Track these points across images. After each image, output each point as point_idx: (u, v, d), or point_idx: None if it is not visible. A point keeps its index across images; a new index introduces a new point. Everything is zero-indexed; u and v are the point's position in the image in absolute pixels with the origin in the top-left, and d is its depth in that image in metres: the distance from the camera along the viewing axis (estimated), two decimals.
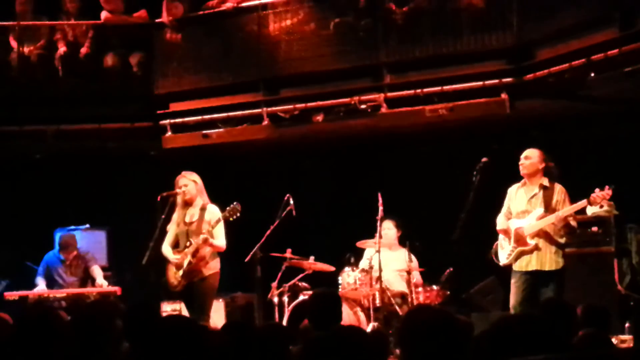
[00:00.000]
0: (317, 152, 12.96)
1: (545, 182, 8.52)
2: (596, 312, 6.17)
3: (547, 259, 8.40)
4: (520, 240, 8.48)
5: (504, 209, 8.73)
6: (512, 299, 8.51)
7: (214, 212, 9.02)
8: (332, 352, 3.91)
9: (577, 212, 8.46)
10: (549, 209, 8.42)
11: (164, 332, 4.18)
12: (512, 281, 8.56)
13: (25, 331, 4.85)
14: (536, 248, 8.41)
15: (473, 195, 8.74)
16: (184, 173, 9.13)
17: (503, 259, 8.67)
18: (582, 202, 8.27)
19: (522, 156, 8.56)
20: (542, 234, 8.42)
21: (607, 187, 8.12)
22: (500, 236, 8.74)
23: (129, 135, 12.13)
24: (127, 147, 12.27)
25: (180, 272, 8.94)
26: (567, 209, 8.33)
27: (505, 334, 3.88)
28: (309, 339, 5.06)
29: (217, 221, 8.88)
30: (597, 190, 8.13)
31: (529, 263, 8.44)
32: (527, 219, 8.49)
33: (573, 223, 8.46)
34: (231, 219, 8.91)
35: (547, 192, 8.48)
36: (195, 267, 8.91)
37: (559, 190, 8.49)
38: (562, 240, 8.46)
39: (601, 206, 8.71)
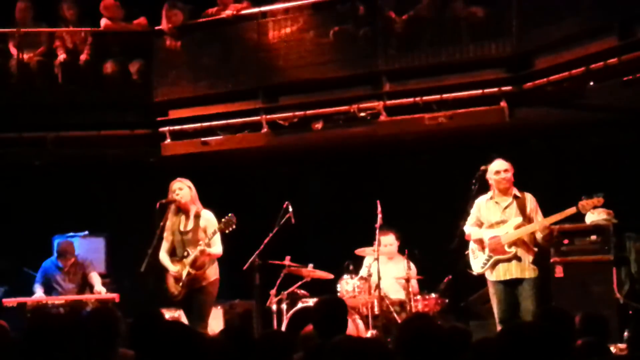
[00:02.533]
0: (316, 159, 12.97)
1: (517, 192, 8.58)
2: (595, 321, 6.16)
3: (526, 267, 8.47)
4: (496, 249, 8.50)
5: (471, 220, 8.77)
6: (497, 311, 8.54)
7: (208, 218, 9.00)
8: None
9: (574, 220, 8.50)
10: (525, 217, 8.47)
11: (168, 338, 4.18)
12: (491, 292, 8.60)
13: (26, 338, 4.86)
14: (515, 256, 8.45)
15: (471, 204, 8.77)
16: (178, 178, 9.12)
17: (477, 268, 8.71)
18: (571, 209, 8.31)
19: (502, 169, 8.58)
20: (520, 242, 8.47)
21: (594, 195, 8.15)
22: (473, 245, 8.76)
23: (128, 142, 12.12)
24: (126, 154, 12.26)
25: (181, 283, 8.94)
26: (554, 216, 8.38)
27: (512, 343, 3.88)
28: (312, 347, 5.07)
29: (213, 233, 8.86)
30: (583, 197, 8.18)
31: (507, 271, 8.49)
32: (503, 228, 8.53)
33: (554, 231, 8.56)
34: (227, 231, 8.90)
35: (520, 201, 8.56)
36: (194, 276, 8.91)
37: (530, 199, 8.61)
38: (536, 249, 8.52)
39: (585, 213, 8.73)
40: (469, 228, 8.76)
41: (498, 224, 8.59)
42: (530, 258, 8.48)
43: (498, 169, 8.62)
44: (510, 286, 8.48)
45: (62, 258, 11.02)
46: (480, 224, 8.71)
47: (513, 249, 8.46)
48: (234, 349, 4.81)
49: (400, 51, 10.90)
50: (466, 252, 8.85)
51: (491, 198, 8.69)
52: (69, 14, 12.54)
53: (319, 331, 5.90)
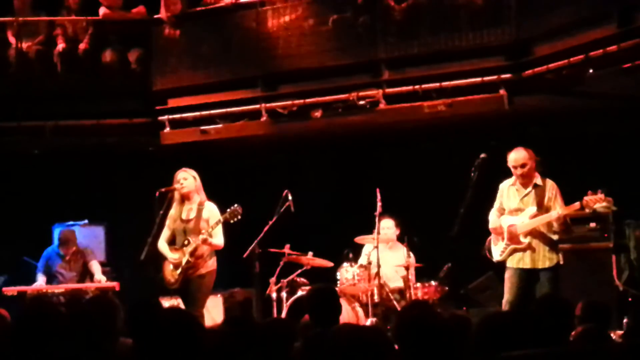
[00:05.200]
0: (316, 148, 12.97)
1: (538, 180, 8.52)
2: (597, 309, 6.16)
3: (540, 257, 8.42)
4: (513, 238, 8.48)
5: (496, 205, 8.73)
6: (507, 295, 8.51)
7: (211, 209, 9.01)
8: (333, 350, 3.92)
9: (585, 207, 8.47)
10: (541, 207, 8.43)
11: (166, 326, 4.18)
12: (506, 276, 8.57)
13: (24, 327, 4.86)
14: (529, 246, 8.42)
15: (471, 192, 8.74)
16: (184, 168, 9.14)
17: (496, 256, 8.69)
18: (576, 205, 8.27)
19: (519, 164, 8.46)
20: (535, 232, 8.43)
21: (599, 190, 8.13)
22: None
23: (127, 131, 12.10)
24: (125, 143, 12.27)
25: (178, 271, 8.94)
26: (565, 209, 8.33)
27: (492, 330, 3.89)
28: (309, 336, 5.08)
29: (217, 222, 8.87)
30: (589, 192, 8.16)
31: (522, 261, 8.46)
32: (520, 217, 8.49)
33: (569, 221, 8.52)
34: (232, 221, 8.91)
35: (539, 189, 8.48)
36: (193, 264, 8.91)
37: (550, 186, 8.50)
38: (555, 237, 8.48)
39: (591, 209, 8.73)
40: (491, 214, 8.74)
41: (516, 211, 8.54)
42: (546, 248, 8.44)
43: (513, 164, 8.48)
44: (527, 274, 8.44)
45: (64, 246, 11.05)
46: (503, 209, 8.69)
47: (528, 239, 8.42)
48: (235, 337, 4.81)
49: (399, 39, 10.87)
50: (488, 239, 8.85)
51: (513, 184, 8.65)
52: (73, 2, 12.52)
53: (313, 319, 5.93)
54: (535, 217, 8.42)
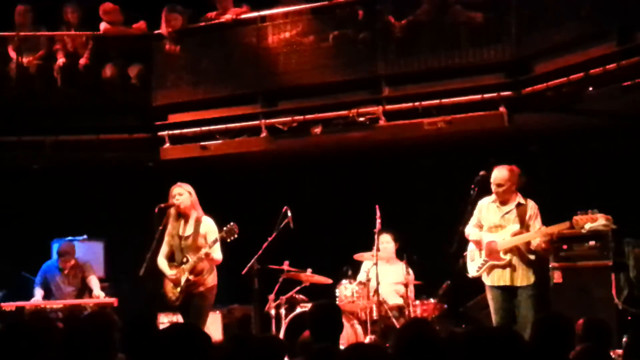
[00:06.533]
0: (315, 164, 12.96)
1: (521, 199, 8.56)
2: (598, 327, 6.14)
3: (519, 275, 8.45)
4: (492, 254, 8.50)
5: (473, 221, 8.76)
6: (494, 317, 8.55)
7: (208, 224, 8.96)
8: None
9: (574, 226, 8.48)
10: (523, 225, 8.45)
11: (164, 343, 4.17)
12: (489, 298, 8.61)
13: (22, 343, 4.85)
14: (509, 264, 8.45)
15: (471, 209, 8.76)
16: (178, 183, 9.10)
17: (472, 271, 8.72)
18: (565, 224, 8.29)
19: (495, 183, 8.54)
20: (515, 250, 8.45)
21: (589, 211, 8.15)
22: (471, 247, 8.77)
23: (127, 146, 12.12)
24: (125, 158, 12.25)
25: (179, 289, 8.90)
26: (553, 227, 8.34)
27: (482, 346, 3.86)
28: (312, 353, 5.07)
29: (214, 241, 8.80)
30: (579, 212, 8.18)
31: (501, 278, 8.50)
32: (500, 234, 8.52)
33: (554, 239, 8.59)
34: (229, 240, 8.86)
35: (521, 208, 8.53)
36: (193, 282, 8.88)
37: (531, 206, 8.58)
38: (532, 257, 8.51)
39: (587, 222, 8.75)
40: (470, 229, 8.75)
41: (496, 228, 8.58)
42: (525, 267, 8.46)
43: (493, 181, 8.58)
44: (507, 293, 8.47)
45: (62, 258, 11.03)
46: (480, 226, 8.71)
47: (508, 256, 8.45)
48: (233, 353, 4.81)
49: (399, 56, 10.88)
50: (464, 254, 8.84)
51: (494, 201, 8.68)
52: (72, 17, 12.57)
53: (314, 335, 5.91)
54: (518, 234, 8.44)
